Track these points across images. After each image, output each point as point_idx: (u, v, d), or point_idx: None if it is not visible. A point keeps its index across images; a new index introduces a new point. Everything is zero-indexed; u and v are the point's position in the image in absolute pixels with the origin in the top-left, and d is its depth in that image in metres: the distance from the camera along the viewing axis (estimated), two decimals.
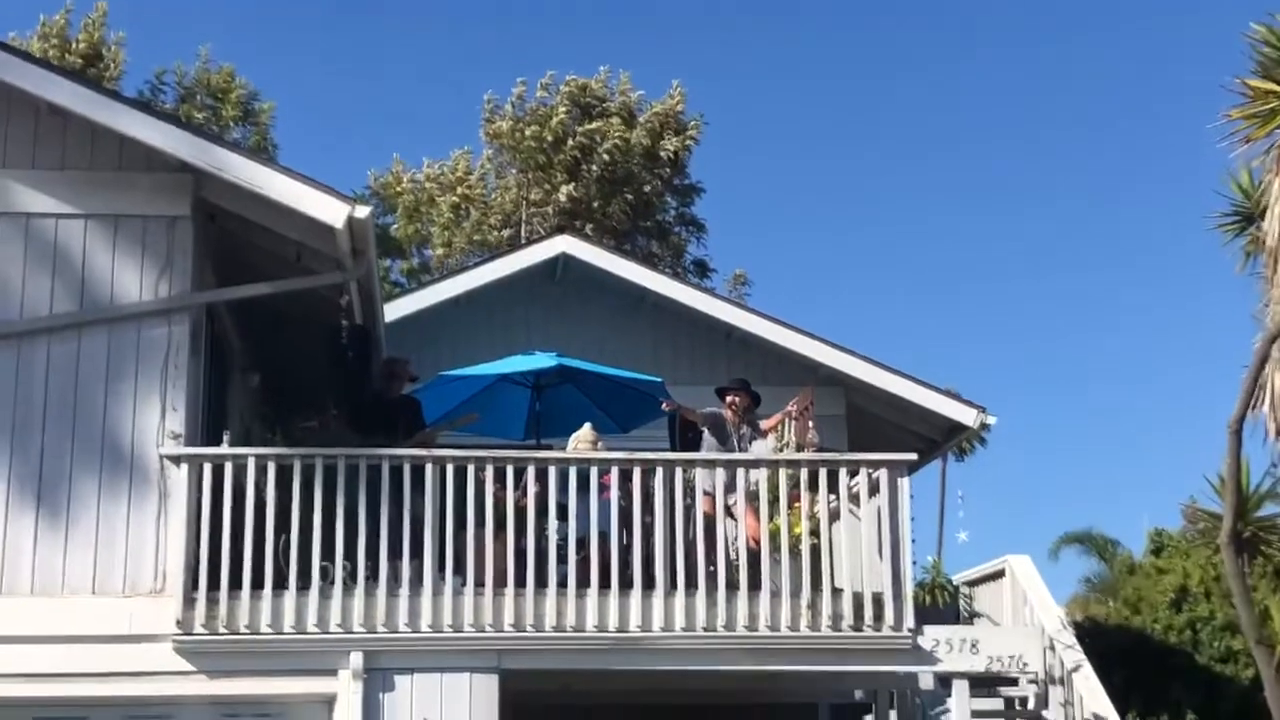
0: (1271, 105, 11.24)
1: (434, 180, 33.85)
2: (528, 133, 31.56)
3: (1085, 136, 58.09)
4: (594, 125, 31.51)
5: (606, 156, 31.30)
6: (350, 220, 10.48)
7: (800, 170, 56.72)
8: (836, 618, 10.78)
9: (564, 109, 31.75)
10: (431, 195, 33.65)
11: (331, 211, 10.50)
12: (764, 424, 12.36)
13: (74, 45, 31.24)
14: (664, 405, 12.39)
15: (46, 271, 10.82)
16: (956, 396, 16.06)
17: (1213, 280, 53.18)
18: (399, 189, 34.02)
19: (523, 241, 24.51)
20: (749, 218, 52.22)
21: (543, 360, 12.83)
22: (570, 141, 31.30)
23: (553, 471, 10.85)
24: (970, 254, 58.14)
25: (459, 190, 33.27)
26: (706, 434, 12.26)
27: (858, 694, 14.25)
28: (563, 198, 30.98)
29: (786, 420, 12.66)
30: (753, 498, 11.14)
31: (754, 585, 10.84)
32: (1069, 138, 58.13)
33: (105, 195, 10.94)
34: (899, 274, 58.53)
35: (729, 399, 12.37)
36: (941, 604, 17.48)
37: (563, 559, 10.73)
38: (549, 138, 31.43)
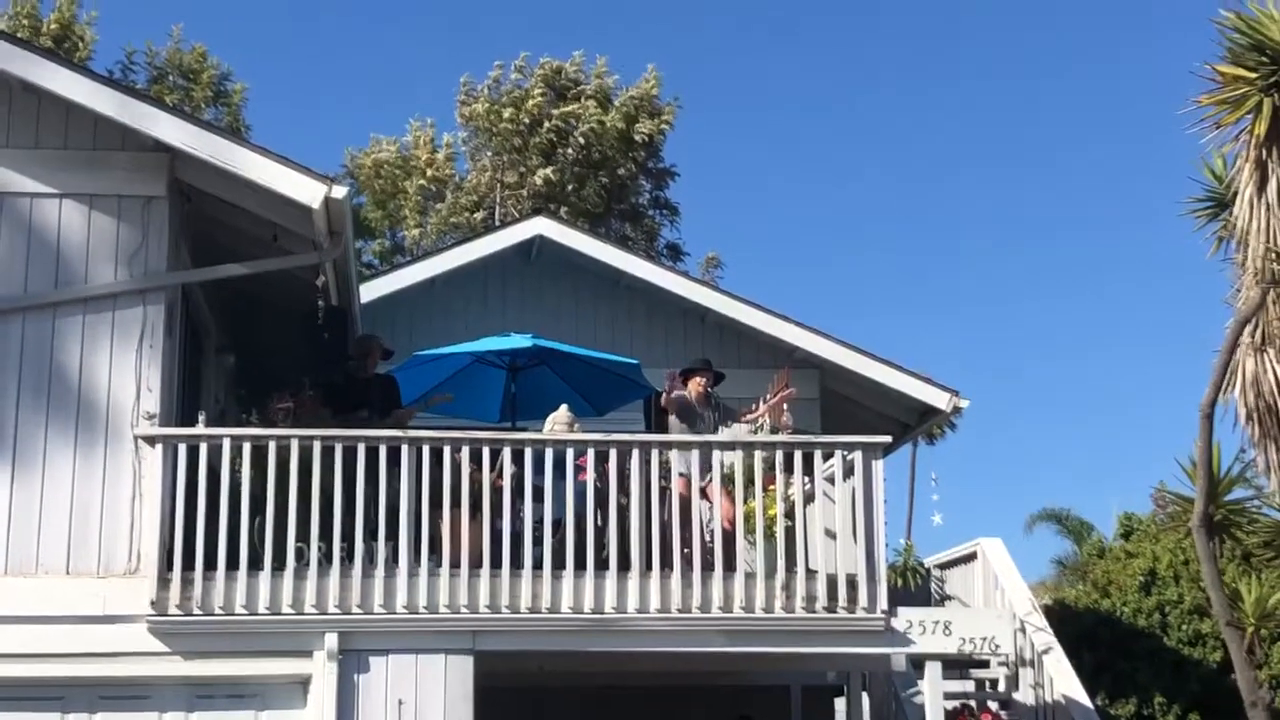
0: (1242, 91, 11.28)
1: (398, 165, 33.79)
2: (504, 115, 31.51)
3: (1055, 113, 58.27)
4: (569, 108, 31.47)
5: (582, 140, 31.27)
6: (327, 200, 10.46)
7: (772, 151, 56.74)
8: (810, 599, 10.83)
9: (539, 92, 31.69)
10: (395, 180, 33.60)
11: (308, 191, 10.47)
12: (744, 416, 12.36)
13: (45, 25, 31.03)
14: (665, 378, 12.25)
15: (21, 250, 10.76)
16: (929, 380, 16.13)
17: (1185, 265, 53.42)
18: (366, 171, 33.93)
19: (497, 224, 24.49)
20: (722, 200, 52.28)
21: (518, 341, 12.83)
22: (546, 125, 31.25)
23: (529, 453, 10.86)
24: (946, 237, 58.32)
25: (428, 172, 33.22)
26: (673, 419, 12.28)
27: (830, 675, 14.33)
28: (538, 181, 30.96)
29: (760, 402, 12.69)
30: (727, 480, 11.17)
31: (729, 567, 10.89)
32: (1039, 114, 58.30)
33: (80, 174, 10.88)
34: (875, 258, 58.67)
35: (697, 381, 12.38)
36: (913, 586, 17.61)
37: (538, 540, 10.74)
38: (524, 120, 31.38)
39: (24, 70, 10.62)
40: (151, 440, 10.49)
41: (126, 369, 10.68)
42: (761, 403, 12.67)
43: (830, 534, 11.29)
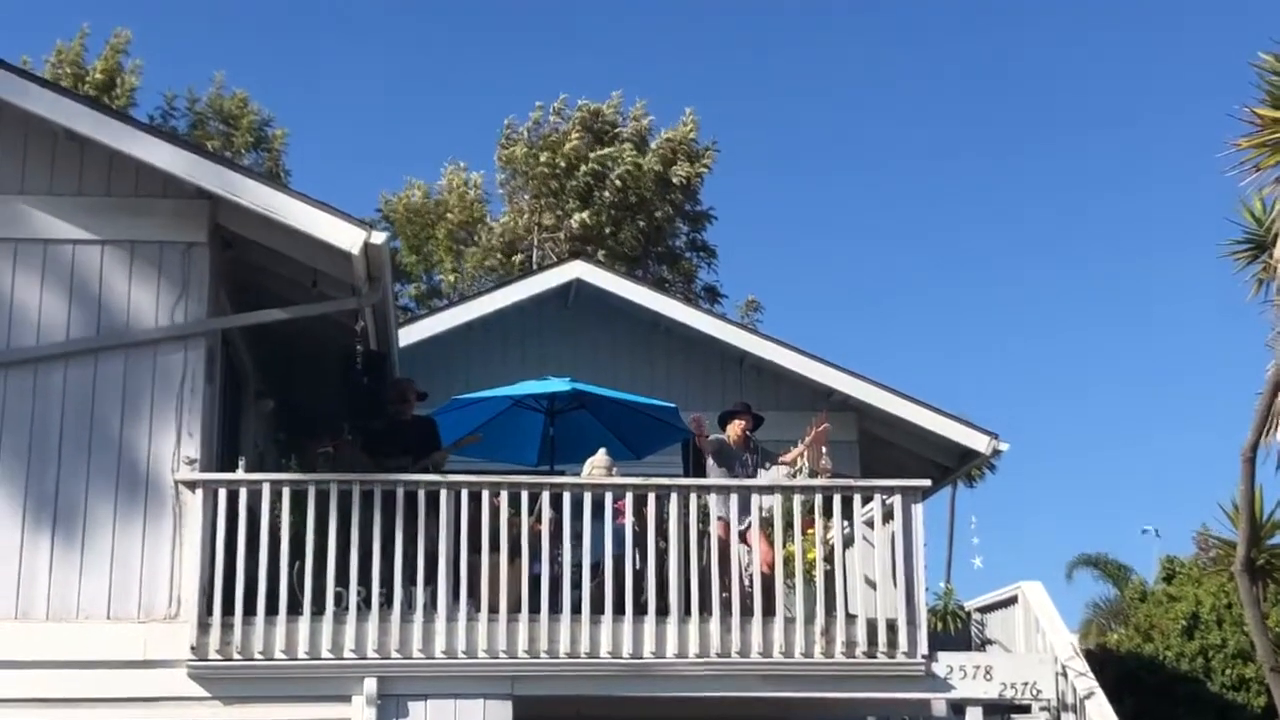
0: None
1: (428, 209, 34.01)
2: (541, 158, 31.64)
3: (1095, 153, 58.15)
4: (606, 151, 31.57)
5: (619, 183, 31.36)
6: (367, 246, 10.51)
7: (811, 194, 56.81)
8: (850, 644, 10.78)
9: (577, 134, 31.81)
10: (427, 223, 33.82)
11: (348, 237, 10.53)
12: (782, 458, 12.34)
13: (90, 73, 31.35)
14: (691, 422, 12.28)
15: (63, 297, 10.86)
16: (968, 423, 16.06)
17: (1224, 308, 53.19)
18: (399, 215, 34.13)
19: (534, 267, 24.56)
20: (761, 243, 52.34)
21: (556, 384, 12.85)
22: (583, 168, 31.36)
23: (567, 497, 10.86)
24: (986, 280, 58.17)
25: (457, 213, 33.44)
26: (711, 461, 12.27)
27: None
28: (575, 224, 31.05)
29: (802, 450, 12.65)
30: (766, 524, 11.15)
31: (768, 611, 10.84)
32: (1079, 152, 58.17)
33: (122, 221, 10.98)
34: (912, 299, 58.58)
35: (737, 424, 12.36)
36: (954, 630, 17.45)
37: (577, 585, 10.74)
38: (561, 164, 31.50)
39: (73, 123, 10.73)
40: (192, 485, 10.54)
41: (167, 415, 10.74)
42: (799, 444, 12.64)
43: (870, 580, 11.23)
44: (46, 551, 10.47)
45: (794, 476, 12.04)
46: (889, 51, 56.53)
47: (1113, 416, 57.27)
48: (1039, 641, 14.67)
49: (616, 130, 32.29)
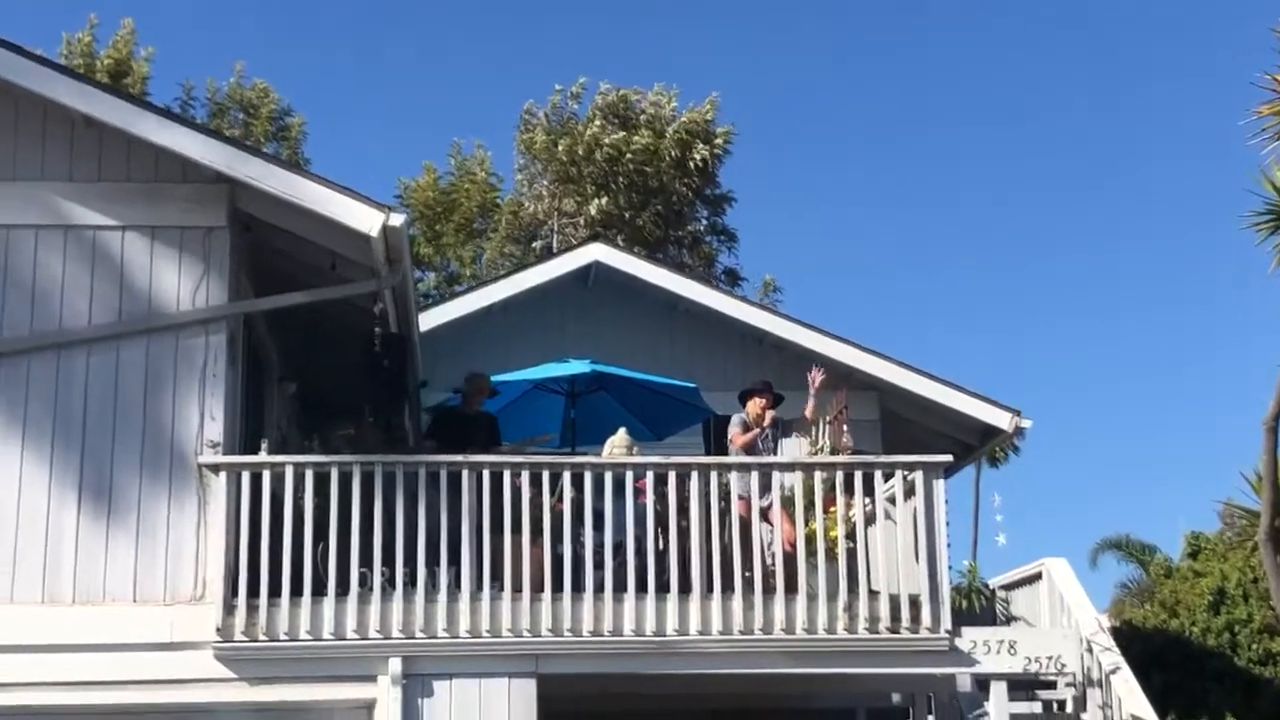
0: None
1: (437, 202, 34.12)
2: (560, 145, 31.62)
3: (1116, 131, 57.92)
4: (622, 135, 31.53)
5: (632, 167, 31.30)
6: (385, 228, 10.53)
7: (827, 174, 56.70)
8: (874, 620, 10.78)
9: (598, 122, 31.76)
10: (439, 213, 33.94)
11: (367, 219, 10.55)
12: (798, 426, 12.31)
13: (100, 62, 31.47)
14: (813, 375, 12.26)
15: (85, 282, 10.91)
16: (990, 400, 16.02)
17: (1246, 278, 52.81)
18: (416, 200, 34.21)
19: (554, 251, 24.57)
20: (779, 223, 52.25)
21: (577, 367, 12.88)
22: (598, 153, 31.32)
23: (588, 476, 10.89)
24: (1005, 257, 58.01)
25: (473, 196, 33.57)
26: (734, 438, 12.22)
27: (895, 697, 14.22)
28: (593, 211, 31.04)
29: (820, 423, 12.63)
30: (788, 502, 11.15)
31: (790, 588, 10.86)
32: (1099, 129, 57.96)
33: (142, 206, 11.02)
34: (933, 278, 58.45)
35: (756, 401, 12.34)
36: (978, 608, 17.49)
37: (599, 564, 10.76)
38: (579, 151, 31.47)
39: (92, 109, 10.79)
40: (216, 468, 10.59)
41: (190, 398, 10.79)
42: (821, 422, 12.61)
43: (892, 556, 11.22)
44: (72, 536, 10.53)
45: (815, 453, 12.02)
46: (908, 19, 56.36)
47: (1136, 394, 57.04)
48: (1064, 619, 14.66)
49: (639, 116, 32.23)
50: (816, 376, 12.34)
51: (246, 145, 12.58)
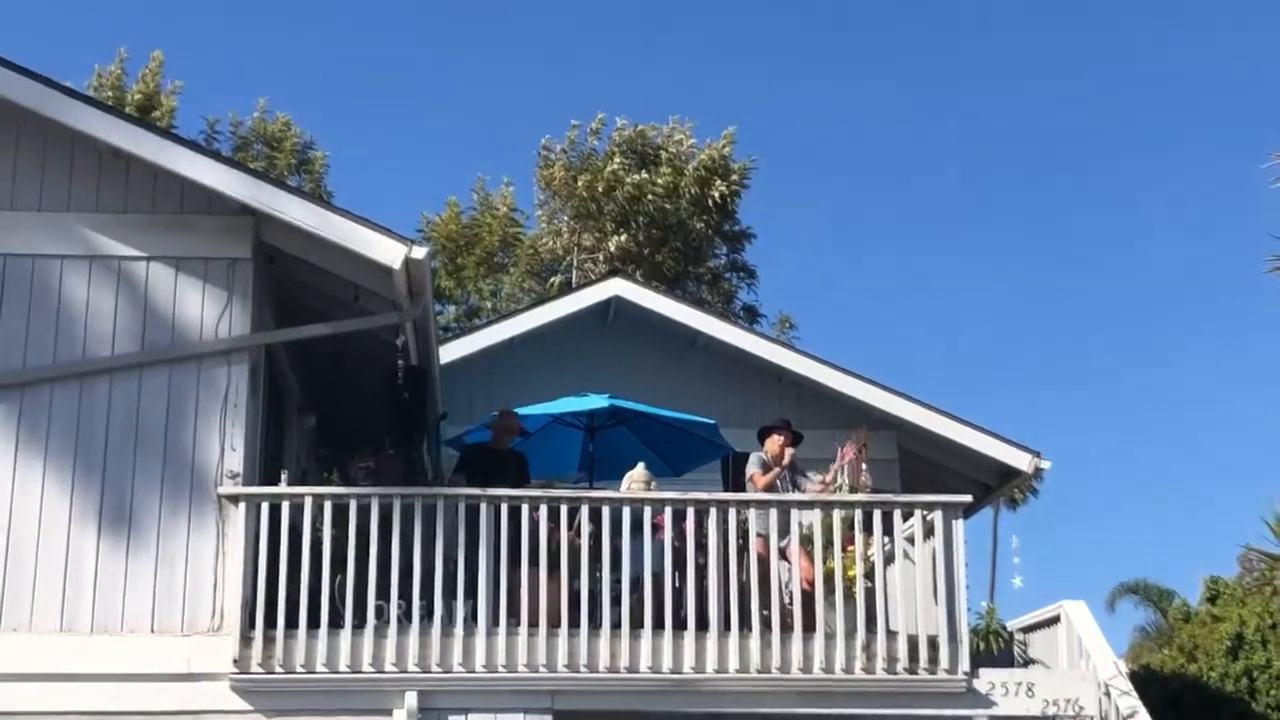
0: None
1: (459, 236, 34.24)
2: (580, 181, 31.71)
3: (1132, 177, 57.90)
4: (643, 176, 31.61)
5: (653, 205, 31.36)
6: (408, 260, 10.57)
7: (850, 211, 56.76)
8: (891, 660, 10.75)
9: (618, 158, 31.85)
10: (460, 247, 34.06)
11: (389, 252, 10.59)
12: (816, 479, 12.22)
13: (130, 95, 31.70)
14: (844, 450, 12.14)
15: (109, 312, 10.96)
16: (1010, 441, 15.95)
17: (1267, 323, 52.71)
18: (439, 235, 34.36)
19: (574, 286, 24.62)
20: (800, 260, 52.29)
21: (596, 401, 12.89)
22: (619, 191, 31.40)
23: (606, 511, 10.88)
24: (1023, 298, 57.95)
25: (496, 231, 33.68)
26: (753, 478, 12.19)
27: None
28: (612, 247, 31.10)
29: (841, 465, 12.59)
30: (806, 540, 11.13)
31: (808, 627, 10.83)
32: (1115, 175, 57.95)
33: (167, 237, 11.09)
34: (953, 316, 58.40)
35: (776, 439, 12.31)
36: (996, 650, 17.32)
37: (616, 599, 10.75)
38: (599, 187, 31.56)
39: (120, 140, 10.86)
40: (235, 499, 10.61)
41: (211, 429, 10.82)
42: (836, 460, 12.58)
43: (910, 595, 11.19)
44: (91, 565, 10.55)
45: (833, 491, 11.98)
46: (926, 59, 56.49)
47: (1157, 438, 56.86)
48: (1082, 663, 14.57)
49: (659, 152, 32.32)
50: (849, 452, 12.28)
51: (271, 177, 12.66)
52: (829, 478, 12.14)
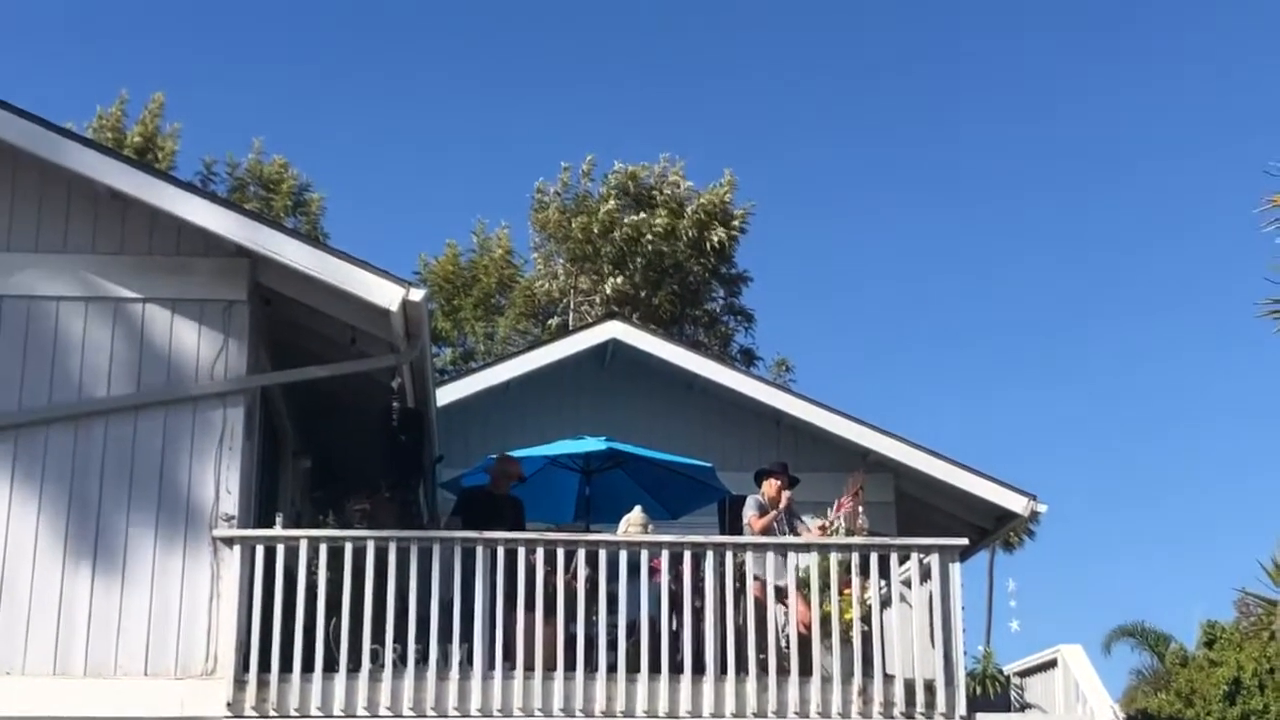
0: None
1: (456, 277, 34.34)
2: (574, 223, 31.79)
3: (1129, 209, 58.04)
4: (640, 217, 31.70)
5: (651, 247, 31.44)
6: (405, 303, 10.58)
7: (845, 253, 56.86)
8: (888, 704, 10.70)
9: (612, 199, 31.94)
10: (457, 289, 34.15)
11: (387, 294, 10.60)
12: (814, 525, 12.20)
13: (129, 137, 31.83)
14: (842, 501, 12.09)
15: (105, 353, 10.95)
16: (1006, 484, 15.96)
17: (1260, 366, 52.84)
18: (435, 277, 34.45)
19: (571, 329, 24.65)
20: (796, 302, 52.34)
21: (592, 444, 12.87)
22: (617, 233, 31.48)
23: (603, 554, 10.85)
24: (1022, 337, 58.02)
25: (492, 273, 33.78)
26: (749, 522, 12.18)
27: None
28: (609, 289, 31.15)
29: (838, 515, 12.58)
30: (803, 583, 11.11)
31: (805, 671, 10.78)
32: (1123, 205, 58.07)
33: (164, 279, 11.09)
34: (945, 359, 58.42)
35: (771, 483, 12.30)
36: (993, 694, 17.36)
37: (612, 643, 10.70)
38: (595, 229, 31.62)
39: (117, 182, 10.88)
40: (230, 541, 10.57)
41: (206, 471, 10.80)
42: (835, 507, 12.57)
43: (907, 638, 11.15)
44: (85, 608, 10.51)
45: (830, 535, 11.95)
46: (920, 98, 56.73)
47: (1153, 480, 56.79)
48: (1079, 706, 14.55)
49: (653, 194, 32.42)
50: (845, 503, 12.27)
51: (268, 219, 12.67)
52: (826, 524, 12.11)
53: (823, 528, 12.04)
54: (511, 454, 12.83)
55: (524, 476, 12.53)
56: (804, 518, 12.31)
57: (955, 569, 11.03)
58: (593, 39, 54.37)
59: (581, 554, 10.88)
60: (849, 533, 12.10)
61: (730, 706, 10.59)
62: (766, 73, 55.48)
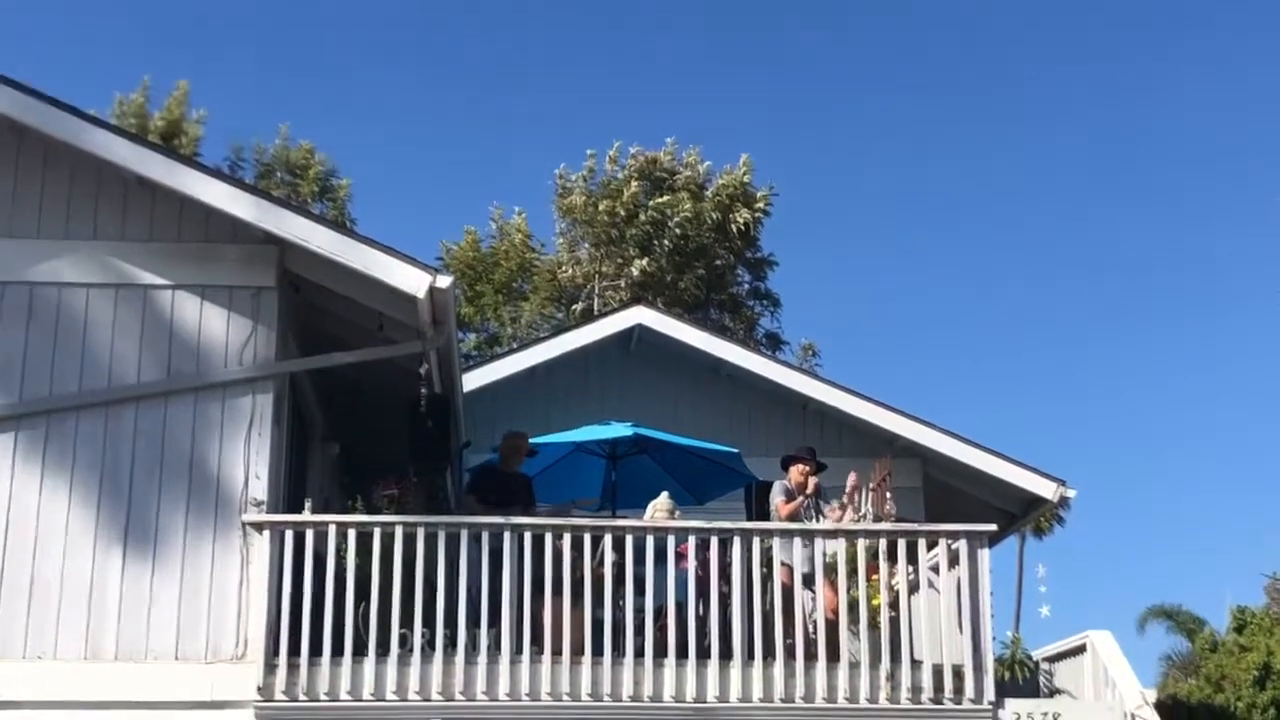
0: None
1: (477, 263, 34.34)
2: (600, 207, 31.78)
3: (1152, 204, 57.76)
4: (664, 200, 31.68)
5: (678, 230, 31.42)
6: (432, 290, 10.59)
7: (874, 239, 56.73)
8: (916, 690, 10.69)
9: (635, 183, 31.93)
10: (478, 275, 34.16)
11: (413, 281, 10.61)
12: (828, 512, 12.20)
13: (153, 123, 31.90)
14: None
15: (134, 340, 11.00)
16: (1034, 469, 15.92)
17: None
18: (457, 264, 34.48)
19: (596, 314, 24.64)
20: (824, 286, 52.26)
21: (619, 429, 12.88)
22: (641, 216, 31.47)
23: (629, 540, 10.86)
24: (1053, 325, 57.80)
25: (513, 259, 33.78)
26: (777, 506, 12.17)
27: None
28: (635, 272, 31.15)
29: (863, 491, 12.58)
30: (830, 569, 11.10)
31: (832, 656, 10.78)
32: (1139, 204, 57.81)
33: (193, 266, 11.12)
34: (975, 342, 58.27)
35: (799, 468, 12.28)
36: (1021, 680, 17.30)
37: (639, 628, 10.72)
38: (621, 213, 31.62)
39: (146, 169, 10.91)
40: (259, 527, 10.62)
41: (235, 457, 10.84)
42: (863, 490, 12.56)
43: (935, 624, 11.14)
44: (116, 593, 10.56)
45: (857, 521, 11.95)
46: (946, 99, 56.48)
47: (1187, 466, 56.57)
48: (1108, 692, 14.51)
49: (673, 178, 32.40)
50: (881, 474, 12.23)
51: (296, 206, 12.71)
52: (849, 513, 12.08)
53: (842, 505, 12.03)
54: (538, 439, 12.85)
55: (533, 450, 12.53)
56: (830, 502, 12.29)
57: (984, 555, 11.00)
58: (606, 34, 54.25)
59: (608, 539, 10.89)
60: (876, 518, 12.10)
61: (758, 692, 10.60)
62: (784, 65, 55.31)
